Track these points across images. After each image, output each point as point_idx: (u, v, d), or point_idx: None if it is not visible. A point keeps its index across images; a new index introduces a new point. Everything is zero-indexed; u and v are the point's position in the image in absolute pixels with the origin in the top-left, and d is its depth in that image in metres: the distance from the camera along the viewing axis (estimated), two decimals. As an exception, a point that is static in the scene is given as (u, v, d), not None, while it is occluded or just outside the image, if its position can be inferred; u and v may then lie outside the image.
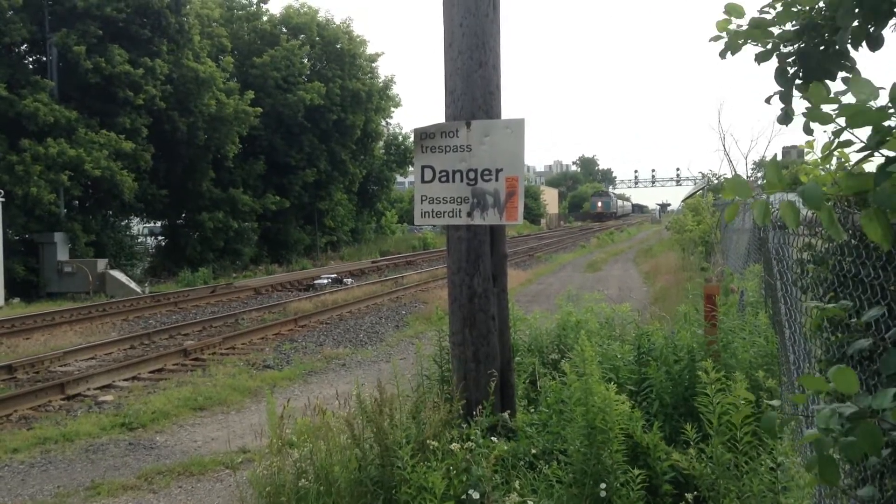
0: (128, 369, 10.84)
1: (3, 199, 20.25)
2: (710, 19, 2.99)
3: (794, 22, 2.93)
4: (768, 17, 2.99)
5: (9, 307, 19.38)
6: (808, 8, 2.88)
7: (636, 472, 3.94)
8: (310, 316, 16.16)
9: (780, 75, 3.01)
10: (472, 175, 5.20)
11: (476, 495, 3.96)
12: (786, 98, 3.01)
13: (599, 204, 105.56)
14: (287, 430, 4.56)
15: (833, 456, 1.79)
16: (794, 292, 4.15)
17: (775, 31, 3.00)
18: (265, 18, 36.26)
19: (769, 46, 3.02)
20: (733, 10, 3.02)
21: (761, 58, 3.04)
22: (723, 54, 3.13)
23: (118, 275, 22.23)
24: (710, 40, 3.13)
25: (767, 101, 3.12)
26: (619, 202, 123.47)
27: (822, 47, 2.89)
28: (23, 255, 22.37)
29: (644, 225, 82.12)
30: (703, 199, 22.47)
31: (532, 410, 5.46)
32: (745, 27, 3.04)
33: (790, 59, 2.99)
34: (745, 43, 3.05)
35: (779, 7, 2.96)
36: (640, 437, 4.29)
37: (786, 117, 3.02)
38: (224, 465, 6.74)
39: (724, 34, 3.12)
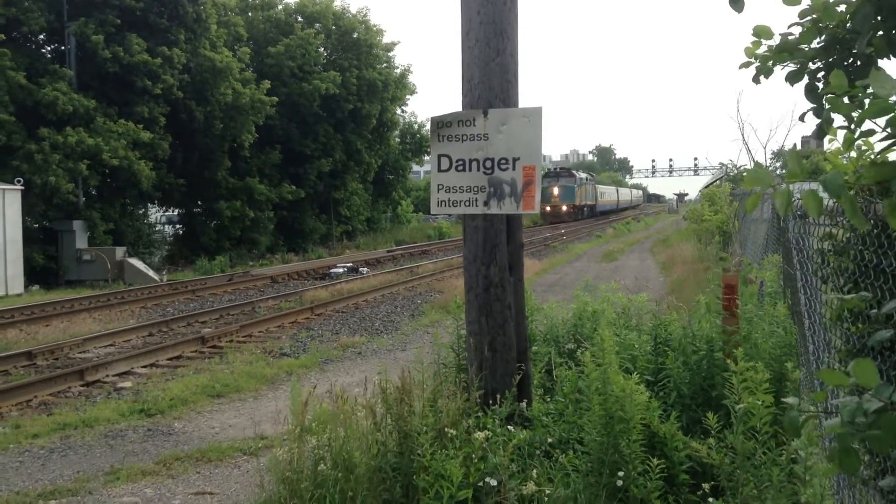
0: (146, 356, 10.95)
1: (22, 188, 20.45)
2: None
3: (819, 39, 2.91)
4: (794, 37, 2.97)
5: (28, 294, 19.61)
6: (833, 25, 2.85)
7: (655, 461, 3.93)
8: (326, 304, 16.24)
9: (810, 92, 2.99)
10: (488, 164, 5.18)
11: (493, 483, 3.98)
12: (819, 113, 2.99)
13: (555, 191, 57.53)
14: (306, 417, 4.59)
15: (854, 446, 1.79)
16: (814, 282, 4.13)
17: (803, 49, 2.98)
18: (280, 7, 36.30)
19: (798, 66, 3.00)
20: (762, 32, 3.00)
21: (792, 78, 3.02)
22: (756, 79, 3.11)
23: (136, 263, 22.44)
24: (741, 67, 3.12)
25: (801, 118, 3.10)
26: (601, 189, 74.22)
27: (849, 60, 2.87)
28: (42, 242, 22.61)
29: (661, 215, 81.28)
30: (720, 188, 22.29)
31: (548, 400, 5.45)
32: (773, 48, 3.03)
33: (819, 75, 2.97)
34: (774, 65, 3.03)
35: (806, 25, 2.94)
36: (658, 426, 4.28)
37: (821, 133, 3.00)
38: (242, 452, 6.80)
39: (753, 59, 3.10)
